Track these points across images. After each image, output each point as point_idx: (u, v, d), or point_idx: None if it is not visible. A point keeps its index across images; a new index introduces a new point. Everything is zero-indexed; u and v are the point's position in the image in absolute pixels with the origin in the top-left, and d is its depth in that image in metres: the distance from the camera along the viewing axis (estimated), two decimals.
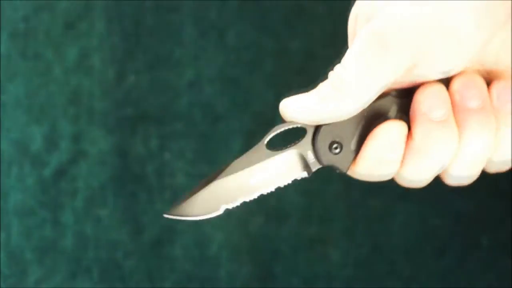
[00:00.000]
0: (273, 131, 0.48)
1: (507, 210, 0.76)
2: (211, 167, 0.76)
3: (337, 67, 0.48)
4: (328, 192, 0.77)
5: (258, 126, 0.76)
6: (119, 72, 0.76)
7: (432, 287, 0.77)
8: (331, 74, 0.48)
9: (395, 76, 0.47)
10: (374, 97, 0.47)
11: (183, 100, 0.76)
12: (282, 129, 0.48)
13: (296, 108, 0.48)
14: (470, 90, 0.49)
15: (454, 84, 0.49)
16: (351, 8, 0.76)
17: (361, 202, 0.77)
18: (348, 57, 0.48)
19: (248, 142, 0.76)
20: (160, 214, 0.77)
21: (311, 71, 0.76)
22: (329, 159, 0.48)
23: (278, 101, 0.76)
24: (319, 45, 0.77)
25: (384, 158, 0.48)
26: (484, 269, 0.77)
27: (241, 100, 0.76)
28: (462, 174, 0.50)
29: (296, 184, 0.77)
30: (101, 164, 0.76)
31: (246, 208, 0.77)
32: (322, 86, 0.48)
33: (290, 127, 0.48)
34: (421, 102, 0.48)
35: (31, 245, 0.76)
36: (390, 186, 0.77)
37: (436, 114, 0.48)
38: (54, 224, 0.76)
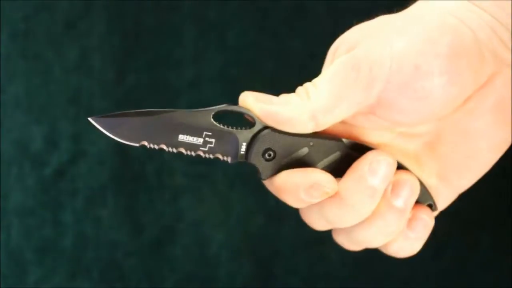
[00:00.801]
0: (225, 106, 0.49)
1: (507, 210, 0.76)
2: (211, 167, 0.76)
3: (307, 84, 0.49)
4: None
5: None
6: (119, 72, 0.76)
7: (432, 287, 0.77)
8: (299, 88, 0.49)
9: (357, 107, 0.47)
10: (330, 121, 0.48)
11: (183, 100, 0.76)
12: (233, 109, 0.49)
13: (256, 98, 0.48)
14: (403, 191, 0.49)
15: (399, 175, 0.49)
16: (351, 8, 0.76)
17: None
18: (320, 77, 0.49)
19: None
20: (160, 214, 0.77)
21: (311, 71, 0.76)
22: (257, 160, 0.49)
23: None
24: (319, 45, 0.77)
25: (296, 194, 0.49)
26: (484, 269, 0.77)
27: None
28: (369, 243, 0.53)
29: None
30: (101, 164, 0.76)
31: (246, 208, 0.77)
32: (288, 95, 0.49)
33: (242, 111, 0.48)
34: (370, 163, 0.48)
35: (31, 245, 0.76)
36: None
37: (373, 182, 0.48)
38: (54, 224, 0.76)
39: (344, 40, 0.49)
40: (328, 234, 0.74)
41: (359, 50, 0.47)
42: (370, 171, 0.48)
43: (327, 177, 0.48)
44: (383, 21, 0.49)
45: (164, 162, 0.76)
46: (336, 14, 0.76)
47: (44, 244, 0.76)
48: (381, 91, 0.47)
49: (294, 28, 0.76)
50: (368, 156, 0.48)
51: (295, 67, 0.76)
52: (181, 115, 0.49)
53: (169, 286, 0.77)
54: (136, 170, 0.76)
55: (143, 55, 0.76)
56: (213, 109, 0.49)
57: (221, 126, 0.49)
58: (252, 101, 0.48)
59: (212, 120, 0.49)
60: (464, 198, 0.77)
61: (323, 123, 0.47)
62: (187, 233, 0.77)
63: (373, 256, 0.77)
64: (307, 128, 0.47)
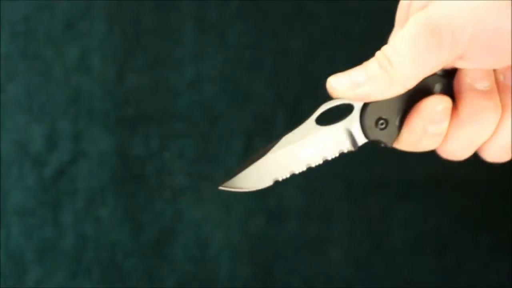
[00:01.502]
0: (322, 108, 0.50)
1: (507, 210, 0.76)
2: (211, 167, 0.76)
3: (387, 49, 0.49)
4: (328, 192, 0.77)
5: (258, 126, 0.76)
6: (119, 72, 0.76)
7: (432, 287, 0.77)
8: (379, 54, 0.49)
9: (443, 65, 0.49)
10: (417, 82, 0.49)
11: (183, 100, 0.76)
12: (331, 106, 0.49)
13: (344, 86, 0.49)
14: None
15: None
16: (351, 8, 0.76)
17: (361, 202, 0.77)
18: (399, 41, 0.49)
19: (248, 142, 0.76)
20: (160, 214, 0.77)
21: (311, 71, 0.76)
22: (375, 134, 0.50)
23: (278, 101, 0.76)
24: (319, 45, 0.77)
25: (428, 131, 0.50)
26: (484, 269, 0.77)
27: (241, 100, 0.76)
28: (500, 149, 0.52)
29: (296, 184, 0.77)
30: (101, 164, 0.76)
31: (246, 208, 0.77)
32: (370, 65, 0.49)
33: (338, 103, 0.49)
34: (467, 74, 0.50)
35: (31, 245, 0.76)
36: (390, 186, 0.77)
37: (481, 84, 0.50)
38: (54, 224, 0.76)
39: None
40: (328, 234, 0.75)
41: (437, 11, 0.48)
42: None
43: (436, 98, 0.49)
44: None
45: (164, 162, 0.76)
46: (336, 14, 0.76)
47: (44, 244, 0.76)
48: (463, 52, 0.48)
49: (294, 28, 0.76)
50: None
51: (295, 67, 0.76)
52: (289, 138, 0.50)
53: (169, 286, 0.77)
54: (136, 170, 0.76)
55: (143, 55, 0.76)
56: (312, 116, 0.50)
57: (328, 126, 0.50)
58: (342, 91, 0.49)
59: (316, 125, 0.50)
60: (465, 198, 0.77)
61: (411, 86, 0.49)
62: (187, 233, 0.77)
63: (373, 256, 0.77)
64: (399, 93, 0.49)
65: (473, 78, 0.50)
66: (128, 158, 0.76)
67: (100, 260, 0.76)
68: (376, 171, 0.77)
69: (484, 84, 0.50)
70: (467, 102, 0.50)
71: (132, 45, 0.76)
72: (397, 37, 0.49)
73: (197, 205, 0.77)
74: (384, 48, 0.49)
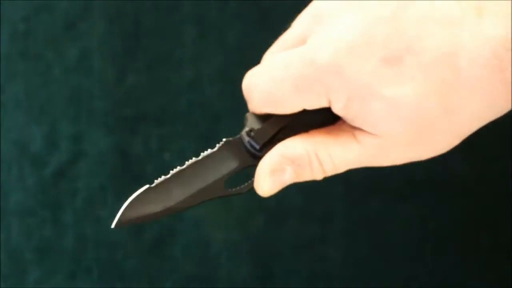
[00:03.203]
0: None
1: (507, 210, 0.76)
2: None
3: (323, 156, 0.49)
4: (328, 192, 0.77)
5: None
6: (119, 72, 0.76)
7: (432, 287, 0.77)
8: (313, 159, 0.50)
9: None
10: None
11: (183, 100, 0.76)
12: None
13: (270, 188, 0.51)
14: None
15: None
16: None
17: (361, 202, 0.77)
18: (339, 158, 0.49)
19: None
20: None
21: None
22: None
23: None
24: None
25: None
26: (484, 269, 0.77)
27: (241, 100, 0.76)
28: None
29: (296, 184, 0.77)
30: (101, 164, 0.76)
31: (246, 208, 0.77)
32: (301, 169, 0.51)
33: None
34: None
35: (31, 245, 0.76)
36: (390, 186, 0.77)
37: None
38: (54, 224, 0.76)
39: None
40: (328, 234, 0.74)
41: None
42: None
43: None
44: None
45: (164, 162, 0.76)
46: None
47: (44, 244, 0.76)
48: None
49: None
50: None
51: None
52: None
53: (169, 286, 0.77)
54: (136, 170, 0.76)
55: (143, 55, 0.76)
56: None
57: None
58: (268, 192, 0.51)
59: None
60: (465, 198, 0.77)
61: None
62: (187, 233, 0.77)
63: (373, 256, 0.77)
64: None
65: None
66: (128, 158, 0.76)
67: (100, 260, 0.76)
68: (376, 171, 0.77)
69: None
70: None
71: (132, 45, 0.76)
72: (337, 155, 0.48)
73: (197, 205, 0.77)
74: (321, 157, 0.49)
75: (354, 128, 0.47)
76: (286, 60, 0.49)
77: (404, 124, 0.45)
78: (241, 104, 0.77)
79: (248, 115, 0.49)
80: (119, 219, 0.50)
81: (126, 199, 0.77)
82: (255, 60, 0.77)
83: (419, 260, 0.77)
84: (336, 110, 0.47)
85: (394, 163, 0.48)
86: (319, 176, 0.49)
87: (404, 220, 0.77)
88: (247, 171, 0.50)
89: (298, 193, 0.76)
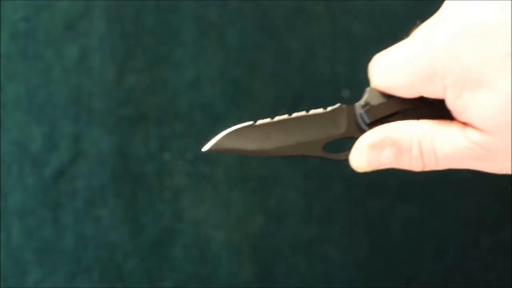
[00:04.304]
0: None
1: (507, 210, 0.76)
2: (211, 167, 0.76)
3: (427, 148, 0.48)
4: (328, 192, 0.77)
5: None
6: (119, 72, 0.76)
7: (432, 287, 0.77)
8: (415, 148, 0.48)
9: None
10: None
11: (183, 100, 0.76)
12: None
13: (365, 165, 0.50)
14: None
15: None
16: (350, 8, 0.76)
17: (361, 202, 0.77)
18: (442, 150, 0.48)
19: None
20: (160, 214, 0.77)
21: (311, 71, 0.76)
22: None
23: (278, 101, 0.76)
24: (319, 45, 0.77)
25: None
26: (484, 269, 0.77)
27: (241, 100, 0.76)
28: None
29: (296, 184, 0.77)
30: (101, 164, 0.76)
31: (246, 208, 0.77)
32: (401, 156, 0.49)
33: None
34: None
35: (31, 245, 0.76)
36: (390, 186, 0.77)
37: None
38: (54, 224, 0.76)
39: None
40: (328, 234, 0.74)
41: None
42: None
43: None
44: None
45: (164, 162, 0.76)
46: (336, 14, 0.76)
47: (44, 244, 0.76)
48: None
49: (294, 28, 0.76)
50: None
51: (295, 67, 0.76)
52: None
53: (169, 286, 0.77)
54: (136, 170, 0.76)
55: (143, 55, 0.76)
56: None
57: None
58: (363, 168, 0.50)
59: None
60: (465, 198, 0.77)
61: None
62: (187, 233, 0.77)
63: (374, 256, 0.77)
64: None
65: None
66: (128, 158, 0.76)
67: (100, 260, 0.76)
68: (376, 171, 0.77)
69: None
70: None
71: (132, 45, 0.76)
72: (441, 147, 0.47)
73: (197, 205, 0.77)
74: (424, 145, 0.47)
75: (464, 124, 0.46)
76: (409, 43, 0.48)
77: None
78: (241, 104, 0.77)
79: (368, 89, 0.49)
80: (214, 145, 0.50)
81: (126, 199, 0.77)
82: (255, 60, 0.77)
83: (419, 260, 0.77)
84: (449, 99, 0.45)
85: (502, 171, 0.46)
86: (418, 167, 0.47)
87: (404, 220, 0.77)
88: (350, 144, 0.50)
89: (298, 193, 0.77)
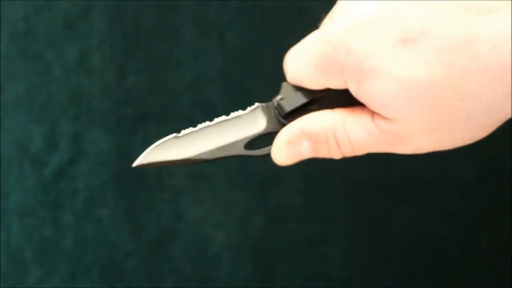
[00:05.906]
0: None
1: (507, 210, 0.76)
2: (211, 167, 0.76)
3: (340, 135, 0.49)
4: (328, 192, 0.77)
5: None
6: (119, 72, 0.76)
7: (432, 287, 0.77)
8: (330, 136, 0.50)
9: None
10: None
11: (183, 100, 0.76)
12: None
13: (285, 158, 0.51)
14: None
15: None
16: None
17: (361, 202, 0.77)
18: (356, 138, 0.49)
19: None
20: (160, 214, 0.77)
21: None
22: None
23: None
24: None
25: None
26: (484, 269, 0.77)
27: (241, 100, 0.76)
28: None
29: (296, 184, 0.77)
30: (101, 164, 0.76)
31: (246, 208, 0.77)
32: (319, 145, 0.50)
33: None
34: None
35: (31, 245, 0.76)
36: (390, 186, 0.77)
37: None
38: (54, 224, 0.76)
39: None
40: (328, 234, 0.74)
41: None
42: None
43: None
44: None
45: None
46: None
47: (44, 244, 0.76)
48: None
49: (294, 28, 0.76)
50: None
51: None
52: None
53: (169, 286, 0.77)
54: (136, 170, 0.76)
55: (143, 55, 0.76)
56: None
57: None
58: (284, 162, 0.50)
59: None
60: (465, 198, 0.77)
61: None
62: (187, 233, 0.77)
63: (374, 256, 0.77)
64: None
65: None
66: (128, 158, 0.76)
67: (100, 260, 0.76)
68: (376, 171, 0.77)
69: None
70: None
71: (132, 45, 0.76)
72: (355, 136, 0.48)
73: (197, 205, 0.77)
74: (338, 136, 0.48)
75: (373, 112, 0.47)
76: (310, 40, 0.51)
77: (416, 107, 0.44)
78: (241, 104, 0.77)
79: (284, 84, 0.51)
80: (140, 160, 0.53)
81: (126, 199, 0.77)
82: (255, 60, 0.77)
83: (419, 260, 0.77)
84: (352, 92, 0.47)
85: (417, 151, 0.48)
86: (337, 156, 0.49)
87: (404, 220, 0.77)
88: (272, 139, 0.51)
89: (298, 193, 0.77)
